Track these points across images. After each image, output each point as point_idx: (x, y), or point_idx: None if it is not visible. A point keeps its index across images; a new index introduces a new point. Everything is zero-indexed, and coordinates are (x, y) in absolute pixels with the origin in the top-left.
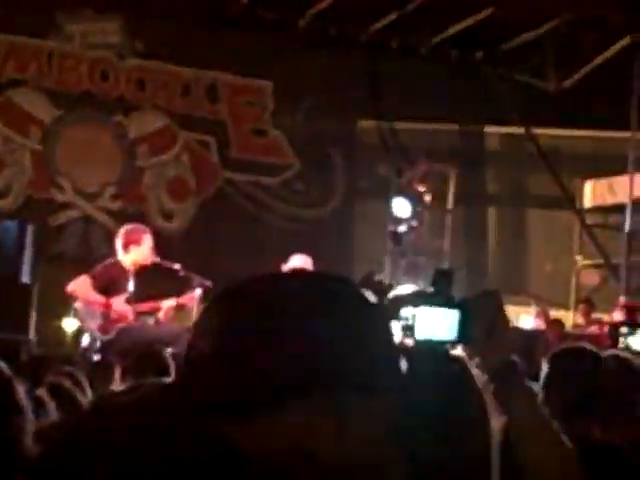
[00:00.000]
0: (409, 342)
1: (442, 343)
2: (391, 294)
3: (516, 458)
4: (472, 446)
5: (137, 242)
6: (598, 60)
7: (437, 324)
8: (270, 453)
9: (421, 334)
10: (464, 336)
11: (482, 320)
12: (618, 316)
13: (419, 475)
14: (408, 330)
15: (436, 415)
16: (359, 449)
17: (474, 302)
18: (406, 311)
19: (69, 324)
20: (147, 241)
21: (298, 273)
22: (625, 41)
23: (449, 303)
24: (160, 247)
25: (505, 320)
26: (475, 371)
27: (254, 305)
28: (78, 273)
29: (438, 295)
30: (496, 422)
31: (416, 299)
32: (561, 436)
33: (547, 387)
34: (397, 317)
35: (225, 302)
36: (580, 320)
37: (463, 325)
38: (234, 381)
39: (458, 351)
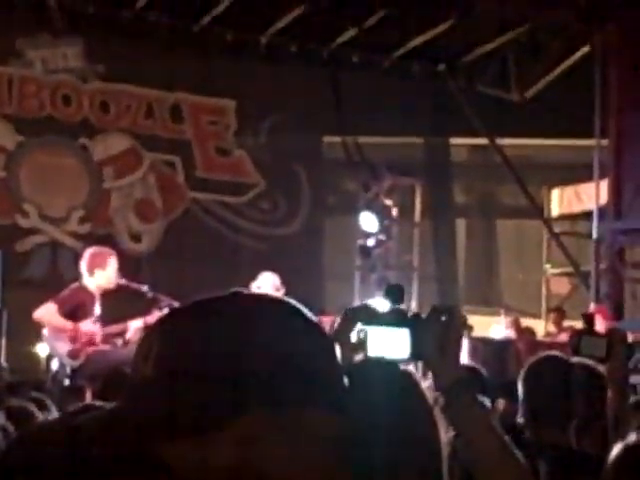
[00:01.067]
0: (360, 358)
1: (394, 361)
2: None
3: (467, 472)
4: (423, 461)
5: (102, 265)
6: (559, 69)
7: (388, 342)
8: (207, 473)
9: (373, 352)
10: (415, 354)
11: (433, 337)
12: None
13: None
14: (360, 346)
15: (387, 431)
16: (307, 466)
17: (425, 319)
18: (359, 327)
19: (42, 349)
20: (112, 264)
21: (237, 294)
22: (585, 49)
23: (399, 321)
24: (129, 268)
25: (457, 335)
26: (426, 387)
27: (194, 328)
28: (47, 298)
29: (389, 313)
30: (445, 437)
31: (367, 317)
32: (513, 450)
33: (524, 396)
34: (350, 333)
35: (167, 325)
36: (552, 328)
37: (415, 343)
38: (174, 403)
39: (410, 367)
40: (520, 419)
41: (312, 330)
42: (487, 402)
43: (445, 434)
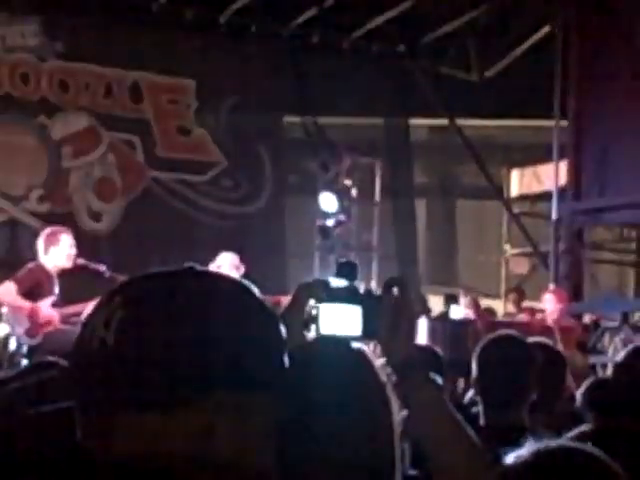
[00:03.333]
0: (311, 335)
1: (346, 339)
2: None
3: (419, 451)
4: (375, 439)
5: (55, 243)
6: (520, 50)
7: (341, 319)
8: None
9: (325, 329)
10: (368, 331)
11: (385, 314)
12: (548, 302)
13: (321, 469)
14: (312, 323)
15: (338, 409)
16: (253, 449)
17: (378, 296)
18: (310, 303)
19: (0, 329)
20: (65, 241)
21: (192, 270)
22: (545, 29)
23: (352, 298)
24: (88, 248)
25: (410, 313)
26: (378, 364)
27: (158, 298)
28: (6, 277)
29: (341, 289)
30: (397, 416)
31: (319, 293)
32: (467, 429)
33: (478, 376)
34: (302, 309)
35: (130, 292)
36: (511, 309)
37: (367, 320)
38: (141, 372)
39: (362, 345)
40: (469, 395)
41: (261, 310)
42: (440, 380)
43: (398, 413)
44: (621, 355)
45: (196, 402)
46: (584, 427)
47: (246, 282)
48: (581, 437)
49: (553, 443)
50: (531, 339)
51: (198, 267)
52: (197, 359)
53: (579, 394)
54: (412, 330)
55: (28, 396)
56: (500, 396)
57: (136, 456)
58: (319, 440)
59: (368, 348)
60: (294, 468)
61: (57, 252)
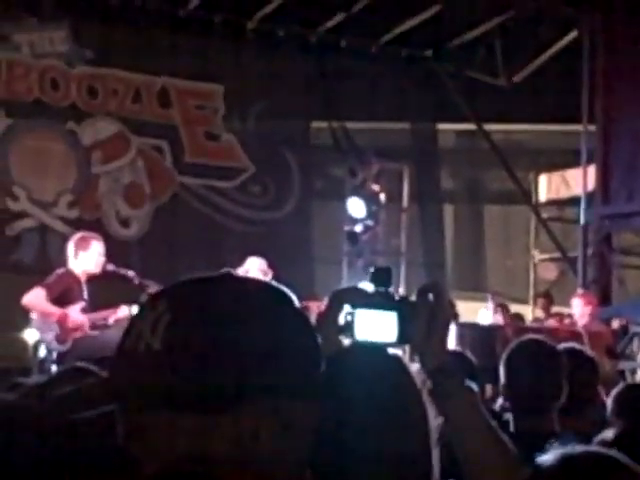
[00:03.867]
0: (347, 342)
1: (381, 345)
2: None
3: (456, 457)
4: (412, 445)
5: (85, 248)
6: (547, 54)
7: (376, 325)
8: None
9: (360, 335)
10: (403, 337)
11: (420, 320)
12: (577, 307)
13: (358, 475)
14: (347, 329)
15: (376, 415)
16: (292, 453)
17: (413, 302)
18: (346, 310)
19: (30, 335)
20: (95, 247)
21: (229, 276)
22: (573, 34)
23: (387, 304)
24: (117, 254)
25: (444, 318)
26: (414, 370)
27: (203, 306)
28: (36, 282)
29: (376, 295)
30: (433, 421)
31: (355, 299)
32: (501, 434)
33: (506, 382)
34: (337, 315)
35: (176, 299)
36: (540, 314)
37: (402, 326)
38: (181, 379)
39: (397, 350)
40: (500, 403)
41: (298, 318)
42: (475, 386)
43: (434, 419)
44: None
45: (243, 406)
46: (611, 432)
47: (282, 287)
48: (608, 442)
49: (579, 448)
50: (561, 345)
51: (234, 273)
52: (243, 364)
53: (609, 399)
54: (447, 336)
55: (69, 403)
56: (529, 401)
57: (182, 458)
58: (356, 446)
59: (403, 354)
60: (331, 474)
61: (86, 257)
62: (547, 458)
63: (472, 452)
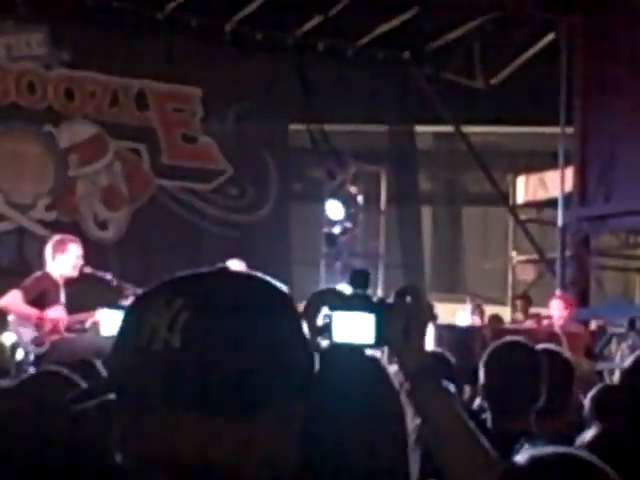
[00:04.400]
0: (324, 343)
1: (359, 347)
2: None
3: (434, 458)
4: (390, 447)
5: (62, 251)
6: (525, 57)
7: (354, 327)
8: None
9: (338, 337)
10: (381, 339)
11: (398, 322)
12: (555, 308)
13: (334, 476)
14: (325, 331)
15: (353, 416)
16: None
17: (390, 304)
18: (324, 312)
19: (7, 338)
20: (73, 250)
21: (226, 271)
22: (550, 36)
23: (364, 307)
24: (95, 257)
25: (422, 320)
26: (392, 372)
27: (219, 303)
28: (13, 285)
29: (354, 297)
30: (411, 423)
31: (333, 301)
32: (478, 435)
33: (485, 382)
34: (315, 317)
35: (193, 296)
36: (518, 316)
37: (380, 328)
38: (201, 378)
39: (375, 352)
40: (478, 402)
41: (297, 315)
42: (453, 388)
43: (412, 420)
44: (628, 361)
45: (259, 408)
46: (589, 433)
47: (278, 284)
48: (587, 444)
49: (548, 449)
50: (539, 346)
51: (230, 268)
52: (264, 364)
53: (587, 400)
54: (424, 338)
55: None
56: (507, 402)
57: (183, 458)
58: (332, 447)
59: (381, 356)
60: (308, 474)
61: (64, 260)
62: (518, 458)
63: (450, 453)
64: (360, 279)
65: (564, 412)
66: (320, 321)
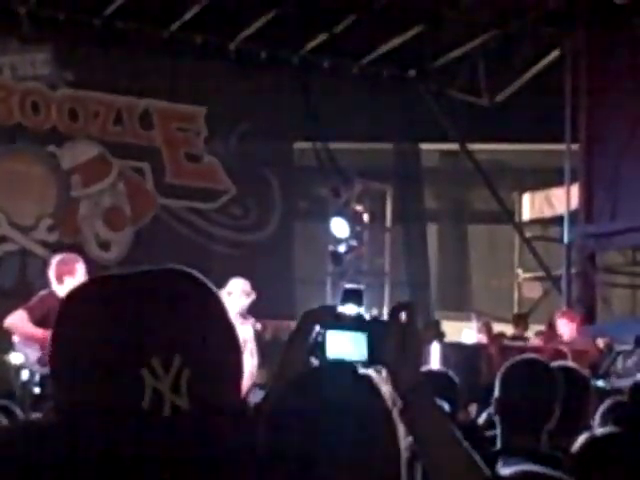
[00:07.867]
0: (317, 362)
1: (352, 365)
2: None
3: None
4: (381, 464)
5: (71, 273)
6: (530, 74)
7: (346, 346)
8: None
9: (331, 356)
10: (374, 357)
11: (392, 340)
12: (562, 326)
13: None
14: (318, 350)
15: (344, 434)
16: None
17: (384, 322)
18: (317, 330)
19: (13, 358)
20: (80, 270)
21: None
22: (555, 53)
23: (357, 325)
24: None
25: (416, 338)
26: (385, 389)
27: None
28: (16, 306)
29: (347, 316)
30: (403, 441)
31: (325, 319)
32: (472, 453)
33: (501, 396)
34: (308, 335)
35: (187, 348)
36: (518, 332)
37: (372, 346)
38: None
39: (368, 370)
40: (484, 417)
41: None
42: (446, 406)
43: (404, 438)
44: (638, 377)
45: None
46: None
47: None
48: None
49: (525, 467)
50: (555, 363)
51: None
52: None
53: (598, 416)
54: (419, 356)
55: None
56: (522, 418)
57: None
58: (325, 466)
59: (375, 374)
60: None
61: (72, 281)
62: (505, 472)
63: (442, 471)
64: (353, 297)
65: (578, 430)
66: (313, 340)
